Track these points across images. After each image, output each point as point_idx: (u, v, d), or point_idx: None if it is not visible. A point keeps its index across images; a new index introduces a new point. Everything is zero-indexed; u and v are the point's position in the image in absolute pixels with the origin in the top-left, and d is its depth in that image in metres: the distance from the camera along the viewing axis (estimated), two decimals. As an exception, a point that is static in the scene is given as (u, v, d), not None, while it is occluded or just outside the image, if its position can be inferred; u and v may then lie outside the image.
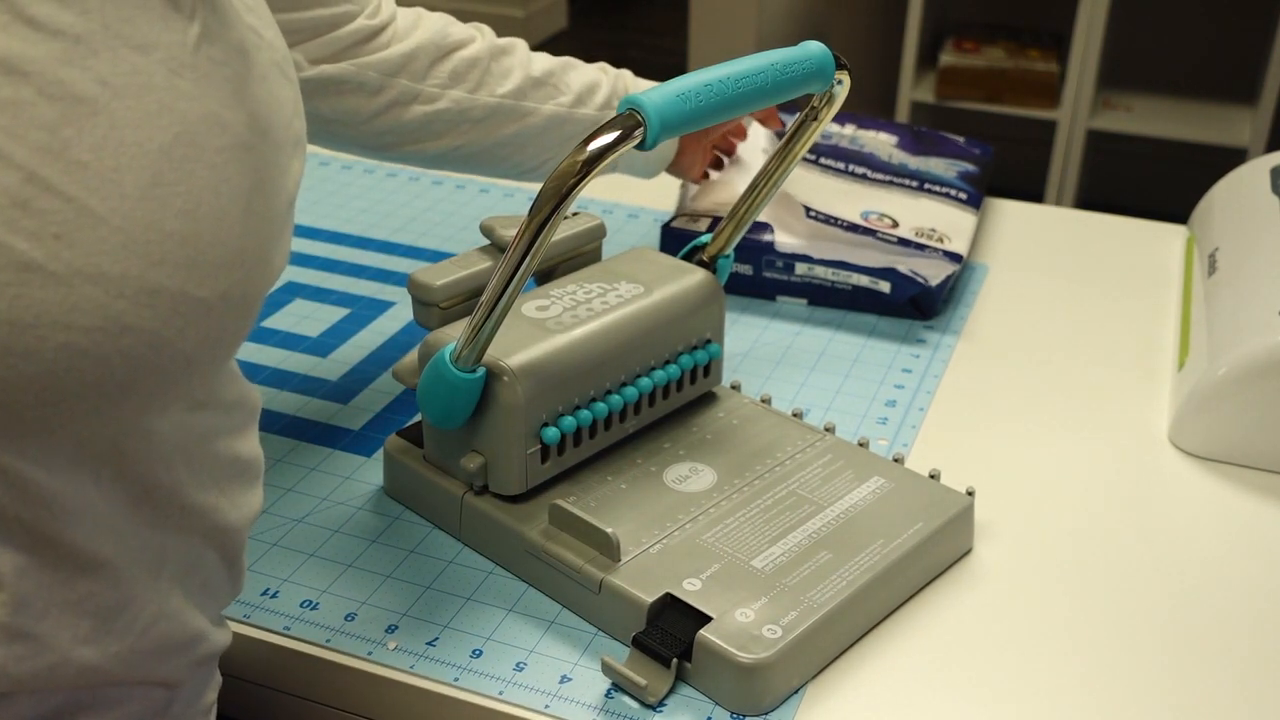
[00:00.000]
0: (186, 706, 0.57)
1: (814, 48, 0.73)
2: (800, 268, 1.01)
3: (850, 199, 1.09)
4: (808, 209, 1.04)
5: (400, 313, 1.01)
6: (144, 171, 0.43)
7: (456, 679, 0.67)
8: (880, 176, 1.13)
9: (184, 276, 0.44)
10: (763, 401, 0.85)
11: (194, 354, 0.46)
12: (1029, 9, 2.80)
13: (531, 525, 0.72)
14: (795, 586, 0.68)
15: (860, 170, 1.13)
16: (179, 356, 0.46)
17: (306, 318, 1.00)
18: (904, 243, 1.02)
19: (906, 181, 1.12)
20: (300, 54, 0.80)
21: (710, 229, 1.01)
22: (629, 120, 0.64)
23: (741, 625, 0.65)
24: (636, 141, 0.64)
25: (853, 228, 1.03)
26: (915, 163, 1.16)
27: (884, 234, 1.03)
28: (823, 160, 1.14)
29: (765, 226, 1.03)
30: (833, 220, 1.03)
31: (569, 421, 0.73)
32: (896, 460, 0.79)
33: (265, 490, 0.80)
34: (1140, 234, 1.17)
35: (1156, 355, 0.97)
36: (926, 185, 1.12)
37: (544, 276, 0.83)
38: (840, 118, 1.23)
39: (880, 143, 1.18)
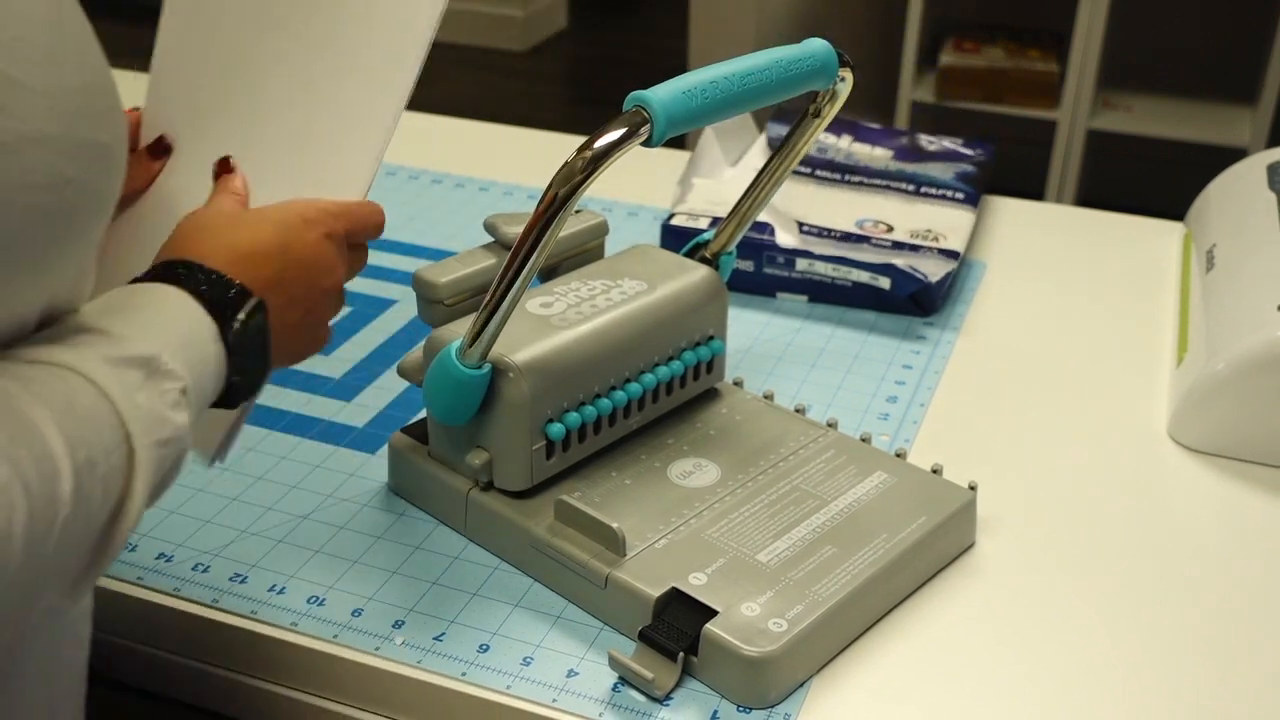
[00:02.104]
0: None
1: (817, 45, 0.73)
2: (801, 264, 1.02)
3: (845, 207, 1.09)
4: (801, 224, 1.05)
5: (403, 310, 1.02)
6: (40, 36, 0.47)
7: (464, 673, 0.67)
8: (877, 181, 1.13)
9: (91, 125, 0.49)
10: (765, 398, 0.86)
11: (110, 196, 0.51)
12: (1029, 9, 2.80)
13: (537, 521, 0.73)
14: (800, 581, 0.69)
15: (856, 179, 1.14)
16: (103, 200, 0.51)
17: (311, 316, 1.01)
18: (899, 246, 1.03)
19: (903, 185, 1.13)
20: None
21: (710, 227, 1.02)
22: (636, 117, 0.65)
23: (747, 619, 0.66)
24: (643, 138, 0.65)
25: (847, 237, 1.04)
26: (912, 168, 1.16)
27: (878, 239, 1.03)
28: (818, 172, 1.15)
29: (765, 226, 1.03)
30: (827, 232, 1.04)
31: (574, 417, 0.74)
32: (899, 455, 0.80)
33: (271, 487, 0.81)
34: (1138, 231, 1.17)
35: (1155, 351, 0.98)
36: (923, 189, 1.12)
37: (548, 274, 0.83)
38: (837, 129, 1.23)
39: (876, 157, 1.19)
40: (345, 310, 1.01)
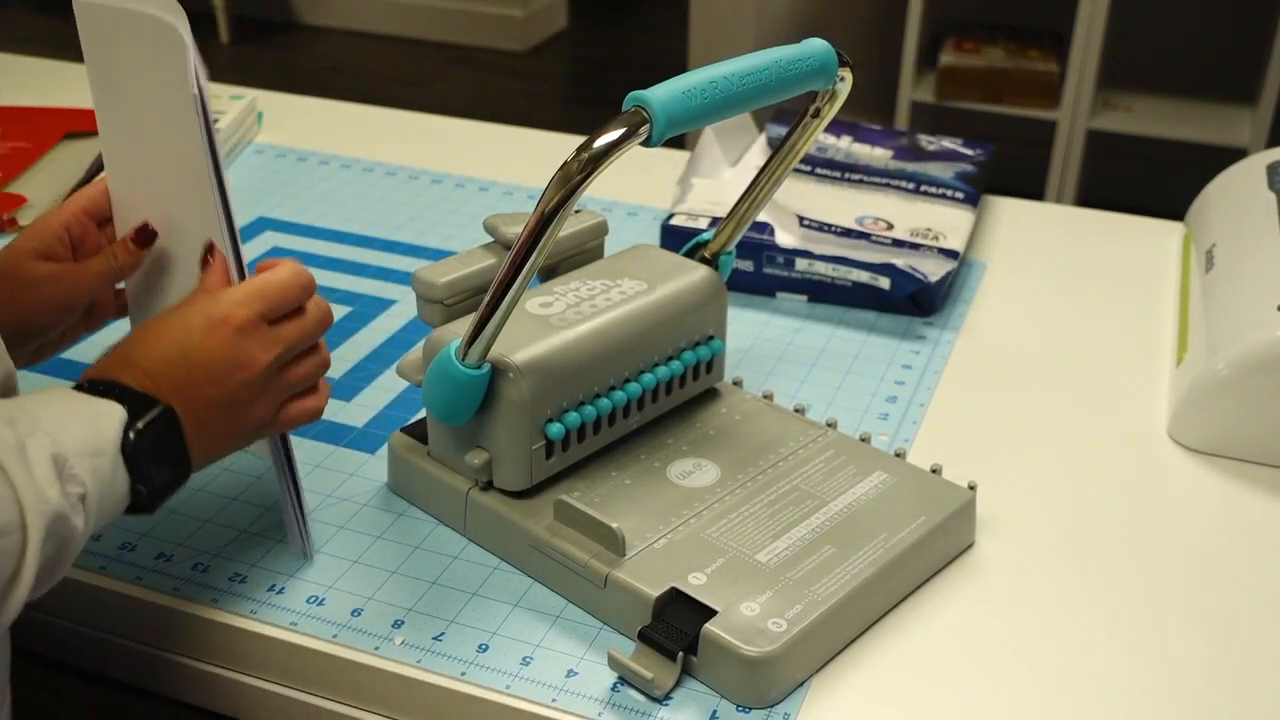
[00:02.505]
0: None
1: (817, 45, 0.73)
2: (800, 263, 1.02)
3: (845, 204, 1.09)
4: (801, 218, 1.05)
5: (402, 310, 1.02)
6: None
7: (463, 673, 0.67)
8: (877, 180, 1.13)
9: None
10: (765, 397, 0.86)
11: None
12: (1029, 9, 2.81)
13: (537, 521, 0.73)
14: (800, 580, 0.69)
15: (856, 176, 1.14)
16: None
17: (310, 316, 1.01)
18: (899, 244, 1.03)
19: (903, 184, 1.13)
20: None
21: (710, 227, 1.02)
22: (635, 117, 0.65)
23: (747, 619, 0.66)
24: (643, 138, 0.65)
25: (847, 233, 1.04)
26: (912, 167, 1.16)
27: (878, 236, 1.04)
28: (818, 171, 1.15)
29: (765, 226, 1.03)
30: (827, 227, 1.04)
31: (573, 417, 0.74)
32: (898, 455, 0.80)
33: (271, 487, 0.81)
34: (1138, 230, 1.17)
35: (1155, 350, 0.98)
36: (923, 187, 1.12)
37: (547, 274, 0.83)
38: (837, 130, 1.23)
39: (876, 157, 1.19)
40: (345, 310, 1.01)
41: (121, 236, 0.77)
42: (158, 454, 0.62)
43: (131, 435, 0.60)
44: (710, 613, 0.66)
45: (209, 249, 0.69)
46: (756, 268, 1.03)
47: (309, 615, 0.71)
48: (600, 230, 0.85)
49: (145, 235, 0.76)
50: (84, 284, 0.76)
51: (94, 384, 0.62)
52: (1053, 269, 1.10)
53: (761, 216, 1.02)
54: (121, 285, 0.80)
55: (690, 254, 0.85)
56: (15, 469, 0.55)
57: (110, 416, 0.60)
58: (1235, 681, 0.68)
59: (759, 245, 1.02)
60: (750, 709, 0.65)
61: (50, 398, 0.60)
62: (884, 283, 1.00)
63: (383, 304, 1.03)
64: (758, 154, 1.18)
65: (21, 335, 0.75)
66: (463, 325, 0.73)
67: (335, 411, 0.89)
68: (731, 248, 0.85)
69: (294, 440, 0.85)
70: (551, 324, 0.74)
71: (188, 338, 0.65)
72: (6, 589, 0.55)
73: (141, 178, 0.76)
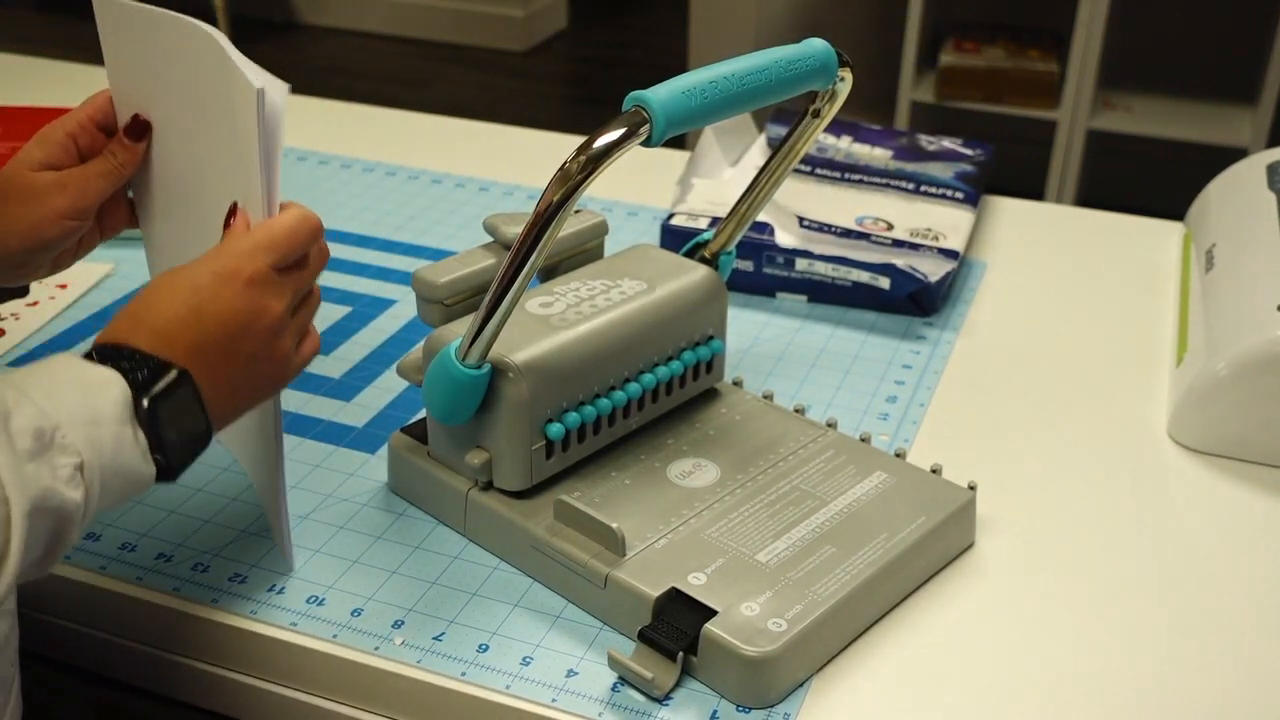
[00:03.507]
0: None
1: (817, 45, 0.73)
2: (800, 264, 1.02)
3: (845, 205, 1.09)
4: (801, 219, 1.05)
5: (401, 310, 1.02)
6: None
7: (463, 673, 0.67)
8: (876, 180, 1.13)
9: None
10: (765, 398, 0.86)
11: None
12: (1029, 9, 2.80)
13: (537, 521, 0.73)
14: (800, 581, 0.69)
15: (856, 177, 1.14)
16: None
17: (310, 316, 1.01)
18: (899, 244, 1.03)
19: (903, 184, 1.13)
20: None
21: (710, 227, 1.02)
22: (635, 117, 0.65)
23: (747, 619, 0.66)
24: (643, 138, 0.65)
25: (847, 233, 1.04)
26: (912, 167, 1.16)
27: (878, 236, 1.04)
28: (818, 171, 1.15)
29: (765, 226, 1.03)
30: (827, 228, 1.04)
31: (573, 417, 0.74)
32: (898, 455, 0.80)
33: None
34: (1138, 230, 1.17)
35: (1155, 351, 0.98)
36: (923, 188, 1.12)
37: (547, 274, 0.83)
38: (837, 130, 1.23)
39: (876, 157, 1.19)
40: (345, 310, 1.01)
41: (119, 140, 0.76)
42: (175, 419, 0.60)
43: (146, 403, 0.59)
44: (710, 613, 0.66)
45: (232, 210, 0.67)
46: (756, 268, 1.03)
47: (309, 615, 0.71)
48: (600, 230, 0.85)
49: (138, 127, 0.75)
50: (90, 187, 0.75)
51: (104, 350, 0.61)
52: (1053, 269, 1.10)
53: (761, 216, 1.02)
54: (132, 198, 0.80)
55: (690, 254, 0.85)
56: None
57: (108, 385, 0.58)
58: (1235, 681, 0.68)
59: (759, 245, 1.02)
60: (750, 709, 0.65)
61: (45, 367, 0.59)
62: (884, 283, 1.00)
63: (383, 304, 1.03)
64: (758, 154, 1.18)
65: (36, 246, 0.74)
66: (463, 325, 0.73)
67: (335, 411, 0.89)
68: (731, 248, 0.85)
69: (293, 440, 0.86)
70: (551, 324, 0.74)
71: (198, 295, 0.63)
72: None
73: (161, 148, 0.76)
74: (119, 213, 0.80)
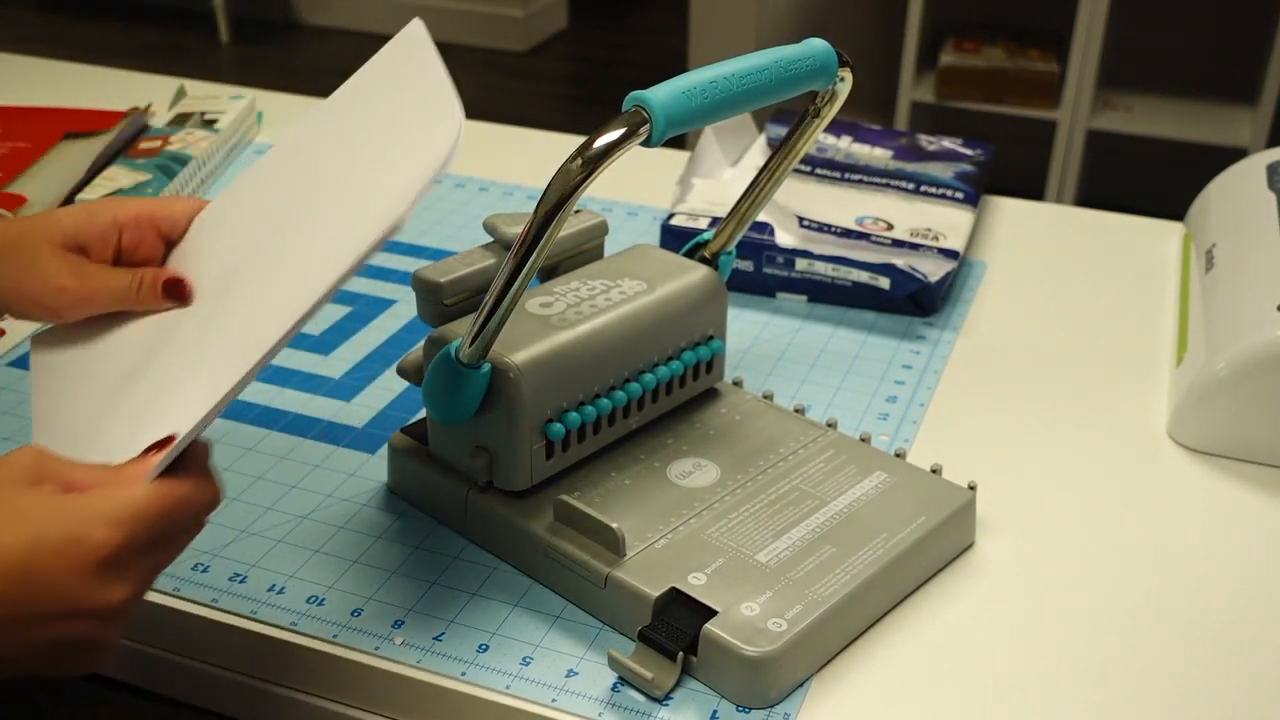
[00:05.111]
0: None
1: (817, 45, 0.73)
2: (800, 263, 1.02)
3: (845, 205, 1.09)
4: (801, 219, 1.05)
5: (401, 310, 1.02)
6: None
7: (463, 673, 0.67)
8: (877, 180, 1.13)
9: None
10: (765, 398, 0.86)
11: None
12: (1029, 9, 2.81)
13: (537, 521, 0.73)
14: (800, 581, 0.69)
15: (856, 177, 1.14)
16: None
17: (310, 316, 1.01)
18: (899, 244, 1.03)
19: (903, 184, 1.13)
20: None
21: (710, 227, 1.02)
22: (635, 117, 0.65)
23: (747, 619, 0.66)
24: (642, 139, 0.65)
25: (847, 233, 1.04)
26: (912, 167, 1.16)
27: (878, 237, 1.04)
28: (818, 171, 1.15)
29: (765, 226, 1.03)
30: (827, 228, 1.04)
31: (574, 417, 0.74)
32: (898, 455, 0.80)
33: (271, 486, 0.81)
34: (1138, 230, 1.17)
35: (1155, 351, 0.98)
36: (923, 188, 1.12)
37: (547, 274, 0.83)
38: (837, 130, 1.23)
39: (876, 157, 1.19)
40: (345, 310, 1.01)
41: (164, 272, 0.68)
42: None
43: None
44: (710, 613, 0.66)
45: (161, 443, 0.57)
46: (756, 268, 1.03)
47: (309, 615, 0.71)
48: (600, 230, 0.85)
49: (175, 287, 0.67)
50: (96, 300, 0.69)
51: None
52: (1053, 269, 1.10)
53: (761, 216, 1.02)
54: None
55: (690, 254, 0.85)
56: None
57: None
58: (1235, 681, 0.68)
59: (759, 245, 1.02)
60: (750, 709, 0.65)
61: None
62: (884, 283, 1.00)
63: (383, 304, 1.03)
64: (758, 154, 1.18)
65: (30, 308, 0.69)
66: (463, 325, 0.73)
67: (335, 412, 0.89)
68: (731, 248, 0.85)
69: (293, 440, 0.85)
70: (551, 324, 0.74)
71: (34, 550, 0.52)
72: None
73: (243, 234, 0.68)
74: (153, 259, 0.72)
